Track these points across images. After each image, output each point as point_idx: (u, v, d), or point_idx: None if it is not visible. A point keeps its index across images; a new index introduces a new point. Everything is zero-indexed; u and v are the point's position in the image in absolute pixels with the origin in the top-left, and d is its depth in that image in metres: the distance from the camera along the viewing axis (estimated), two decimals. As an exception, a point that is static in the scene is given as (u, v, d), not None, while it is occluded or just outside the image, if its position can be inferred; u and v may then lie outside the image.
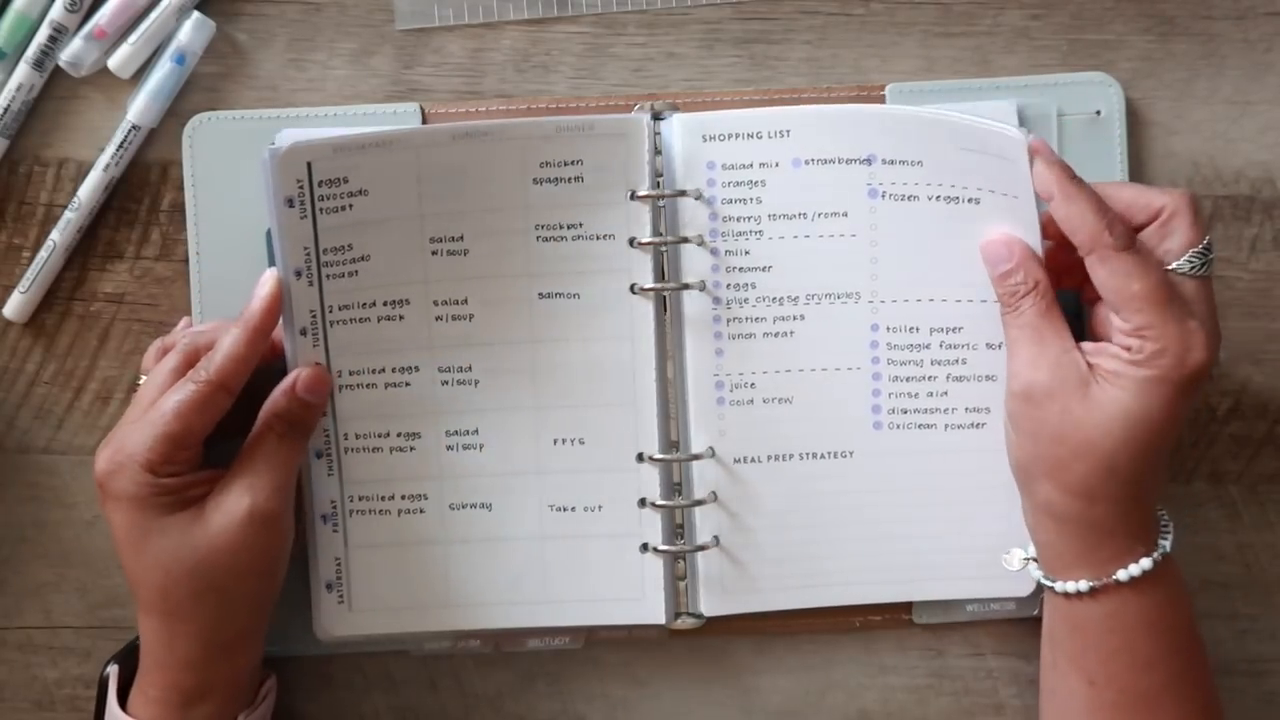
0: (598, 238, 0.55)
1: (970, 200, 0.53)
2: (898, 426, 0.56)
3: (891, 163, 0.54)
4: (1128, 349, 0.48)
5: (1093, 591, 0.50)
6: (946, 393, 0.55)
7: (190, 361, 0.52)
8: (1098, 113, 0.57)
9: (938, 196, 0.54)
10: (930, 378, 0.55)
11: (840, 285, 0.55)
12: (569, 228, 0.55)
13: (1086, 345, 0.50)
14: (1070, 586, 0.50)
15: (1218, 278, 0.57)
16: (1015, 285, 0.51)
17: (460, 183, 0.54)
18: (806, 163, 0.55)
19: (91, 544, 0.58)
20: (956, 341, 0.55)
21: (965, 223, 0.53)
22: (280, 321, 0.52)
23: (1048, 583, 0.51)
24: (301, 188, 0.52)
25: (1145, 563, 0.50)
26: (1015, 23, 0.58)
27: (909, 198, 0.54)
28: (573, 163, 0.54)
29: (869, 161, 0.54)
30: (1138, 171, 0.57)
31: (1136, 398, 0.48)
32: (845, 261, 0.55)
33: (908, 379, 0.55)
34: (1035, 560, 0.52)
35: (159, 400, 0.50)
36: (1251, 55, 0.58)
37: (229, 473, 0.51)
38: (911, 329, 0.55)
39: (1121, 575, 0.49)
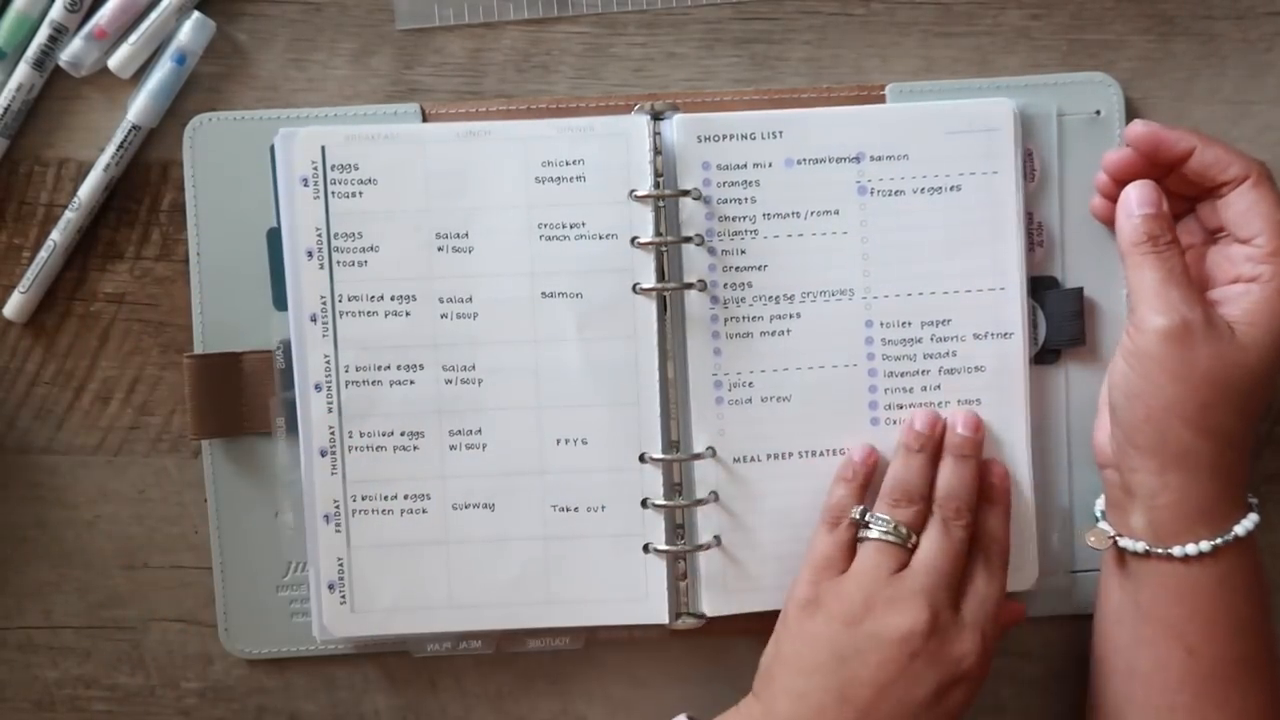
0: (600, 237, 0.55)
1: (953, 188, 0.55)
2: (894, 422, 0.56)
3: (879, 159, 0.55)
4: (1256, 278, 0.50)
5: (1215, 551, 0.50)
6: (939, 386, 0.56)
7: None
8: (1098, 113, 0.57)
9: (922, 189, 0.55)
10: (923, 371, 0.56)
11: (833, 283, 0.56)
12: (571, 227, 0.55)
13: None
14: (1191, 549, 0.50)
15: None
16: (1160, 229, 0.52)
17: (464, 180, 0.55)
18: (799, 162, 0.55)
19: (91, 544, 0.58)
20: (946, 334, 0.56)
21: (949, 211, 0.55)
22: None
23: (1160, 550, 0.51)
24: (316, 169, 0.54)
25: (1254, 515, 0.51)
26: (1015, 23, 0.58)
27: (896, 193, 0.55)
28: (574, 162, 0.55)
29: (858, 159, 0.55)
30: (1138, 171, 0.57)
31: (1269, 330, 0.50)
32: (837, 259, 0.55)
33: (902, 374, 0.56)
34: (1120, 535, 0.52)
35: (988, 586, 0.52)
36: (1251, 55, 0.58)
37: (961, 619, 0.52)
38: (904, 323, 0.56)
39: (1239, 530, 0.50)
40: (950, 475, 0.53)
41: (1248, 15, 0.58)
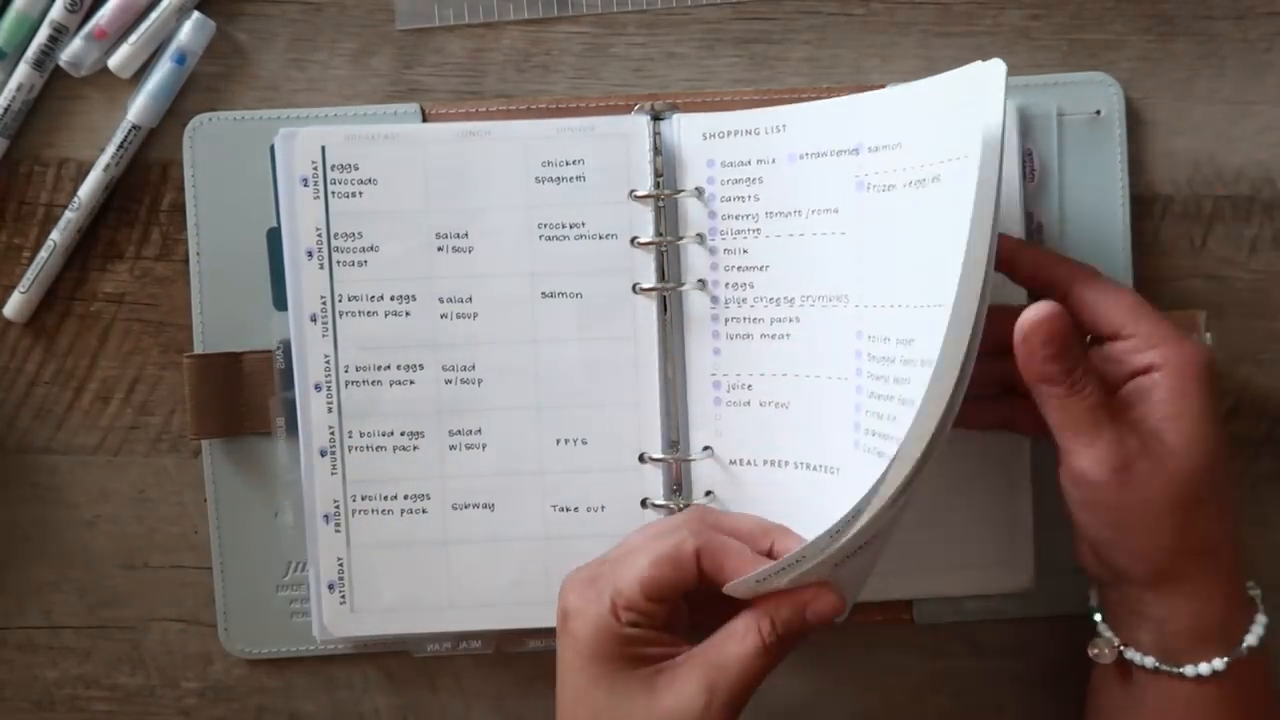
0: (600, 237, 0.55)
1: (933, 179, 0.48)
2: (869, 450, 0.51)
3: (876, 150, 0.51)
4: (1150, 367, 0.47)
5: (1229, 669, 0.48)
6: (895, 417, 0.49)
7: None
8: (1098, 113, 0.57)
9: (910, 182, 0.50)
10: (890, 397, 0.49)
11: (830, 287, 0.53)
12: (571, 227, 0.55)
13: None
14: (1204, 669, 0.48)
15: (1218, 278, 0.58)
16: (1071, 364, 0.47)
17: (464, 181, 0.55)
18: (801, 157, 0.54)
19: (91, 544, 0.58)
20: (909, 355, 0.48)
21: (929, 208, 0.49)
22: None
23: (1172, 669, 0.48)
24: (316, 168, 0.54)
25: (1263, 619, 0.49)
26: (1015, 23, 0.58)
27: (888, 188, 0.51)
28: (574, 162, 0.55)
29: (856, 151, 0.52)
30: (1138, 171, 0.57)
31: (1196, 419, 0.47)
32: (835, 262, 0.53)
33: (880, 396, 0.50)
34: (1126, 646, 0.50)
35: (642, 544, 0.48)
36: (1251, 55, 0.58)
37: (694, 653, 0.47)
38: (885, 339, 0.50)
39: (1251, 640, 0.48)
40: None
41: (1248, 15, 0.58)
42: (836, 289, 0.53)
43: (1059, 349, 0.46)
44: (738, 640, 0.47)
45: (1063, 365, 0.47)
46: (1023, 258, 0.50)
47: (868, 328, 0.51)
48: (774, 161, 0.54)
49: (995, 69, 0.45)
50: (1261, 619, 0.49)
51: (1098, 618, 0.52)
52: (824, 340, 0.53)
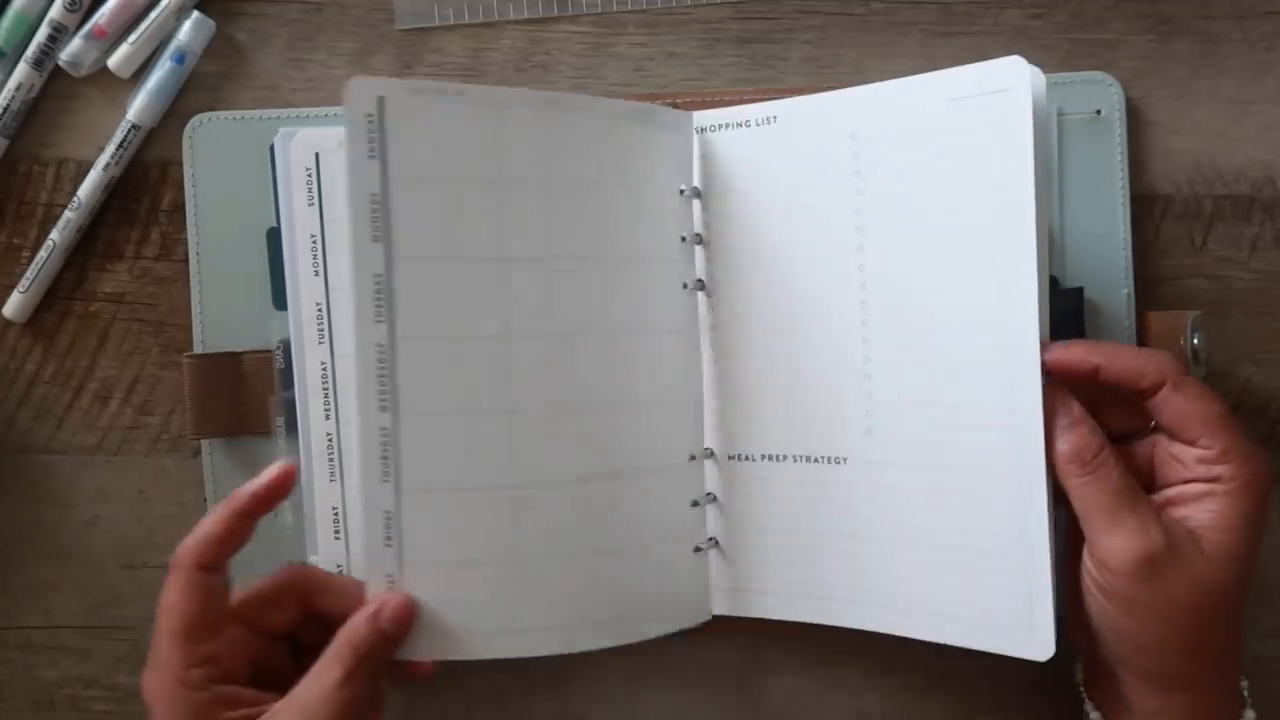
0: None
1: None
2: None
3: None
4: (1216, 479, 0.47)
5: None
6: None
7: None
8: (1098, 112, 0.57)
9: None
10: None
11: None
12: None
13: (1158, 497, 0.47)
14: None
15: (1218, 278, 0.58)
16: (1086, 445, 0.47)
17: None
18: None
19: (91, 544, 0.58)
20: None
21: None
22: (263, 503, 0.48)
23: None
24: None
25: (1250, 714, 0.49)
26: (1015, 23, 0.58)
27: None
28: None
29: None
30: (1138, 171, 0.57)
31: (1243, 537, 0.46)
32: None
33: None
34: None
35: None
36: (1251, 55, 0.58)
37: (286, 699, 0.46)
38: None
39: None
40: None
41: (1248, 15, 0.58)
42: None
43: (1067, 421, 0.47)
44: (319, 676, 0.46)
45: (1076, 442, 0.47)
46: (1107, 357, 0.48)
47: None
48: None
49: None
50: (1250, 714, 0.49)
51: (1081, 687, 0.53)
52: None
